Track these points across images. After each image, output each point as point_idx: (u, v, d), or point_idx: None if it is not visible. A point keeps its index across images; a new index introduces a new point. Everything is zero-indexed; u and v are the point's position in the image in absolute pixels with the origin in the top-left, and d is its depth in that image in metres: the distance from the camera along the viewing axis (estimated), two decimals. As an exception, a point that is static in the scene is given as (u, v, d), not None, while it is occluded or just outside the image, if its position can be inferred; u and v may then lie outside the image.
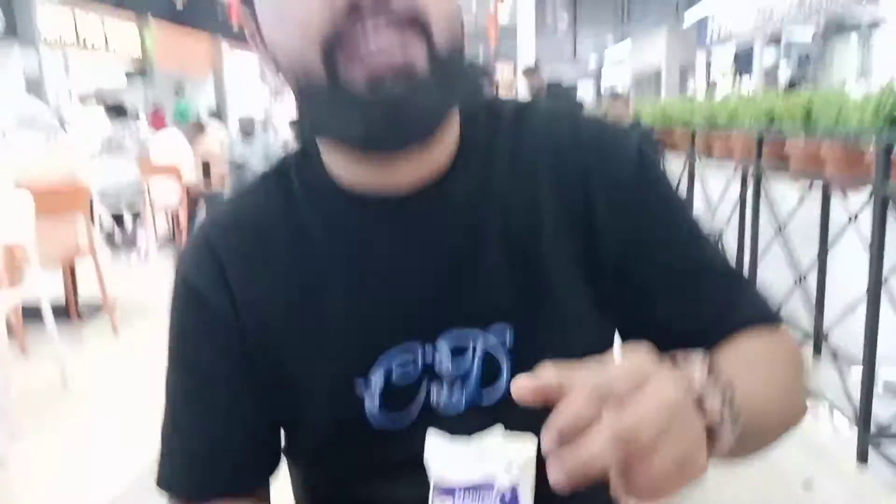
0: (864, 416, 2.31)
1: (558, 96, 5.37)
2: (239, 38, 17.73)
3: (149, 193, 5.98)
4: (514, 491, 0.50)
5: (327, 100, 0.56)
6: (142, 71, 13.03)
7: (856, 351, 2.43)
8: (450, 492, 0.51)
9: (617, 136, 0.68)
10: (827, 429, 2.58)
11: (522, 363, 0.62)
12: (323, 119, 0.58)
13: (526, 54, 12.92)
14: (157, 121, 9.59)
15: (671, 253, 0.65)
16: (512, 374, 0.63)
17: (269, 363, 0.66)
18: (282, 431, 0.71)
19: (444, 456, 0.53)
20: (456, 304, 0.64)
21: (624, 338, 0.70)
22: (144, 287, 5.09)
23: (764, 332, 0.65)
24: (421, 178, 0.63)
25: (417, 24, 0.53)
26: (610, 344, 0.69)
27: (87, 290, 4.52)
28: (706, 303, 0.65)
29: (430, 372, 0.64)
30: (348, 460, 0.67)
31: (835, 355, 2.68)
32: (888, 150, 2.14)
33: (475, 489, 0.50)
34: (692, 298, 0.65)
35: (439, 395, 0.64)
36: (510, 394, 0.51)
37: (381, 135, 0.56)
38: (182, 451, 0.69)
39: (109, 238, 6.38)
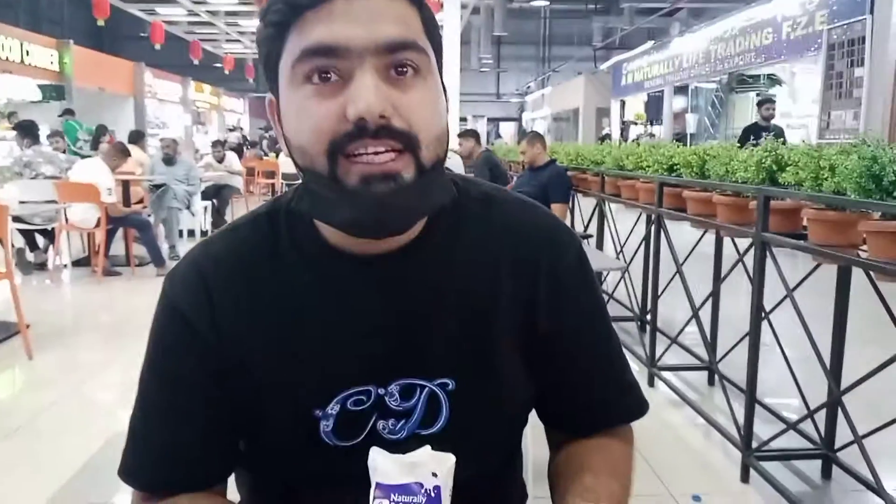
0: (746, 439, 2.56)
1: (490, 162, 6.00)
2: (160, 66, 17.59)
3: (65, 214, 5.85)
4: (437, 489, 0.65)
5: (325, 190, 0.66)
6: (58, 89, 12.64)
7: (743, 379, 2.68)
8: (386, 491, 0.64)
9: (565, 235, 0.82)
10: (716, 451, 2.83)
11: (461, 406, 0.76)
12: (320, 204, 0.68)
13: (451, 93, 13.25)
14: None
15: (586, 342, 0.83)
16: (450, 415, 0.76)
17: (240, 384, 0.75)
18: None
19: (383, 463, 0.66)
20: (410, 358, 0.75)
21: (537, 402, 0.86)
22: (59, 310, 4.99)
23: (625, 434, 0.86)
24: (394, 244, 0.74)
25: (410, 143, 0.65)
26: (531, 402, 0.84)
27: (-1, 311, 4.41)
28: (599, 391, 0.84)
29: (380, 407, 0.75)
30: (300, 470, 0.77)
31: (723, 384, 2.94)
32: (767, 202, 2.42)
33: (407, 488, 0.64)
34: (590, 382, 0.83)
35: (385, 426, 0.75)
36: (446, 427, 0.75)
37: (365, 226, 0.67)
38: (147, 448, 0.77)
39: (20, 256, 6.19)
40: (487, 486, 0.81)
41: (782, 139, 3.43)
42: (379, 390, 0.75)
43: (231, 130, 15.43)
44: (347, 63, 0.64)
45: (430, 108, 0.67)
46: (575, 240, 0.84)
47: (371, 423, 0.75)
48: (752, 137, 3.86)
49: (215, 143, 10.03)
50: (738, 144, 3.12)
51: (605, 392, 0.84)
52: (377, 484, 0.65)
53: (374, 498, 0.64)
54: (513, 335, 0.78)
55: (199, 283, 0.75)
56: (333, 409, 0.74)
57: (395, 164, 0.65)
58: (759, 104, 8.10)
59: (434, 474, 0.65)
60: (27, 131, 6.60)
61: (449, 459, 0.67)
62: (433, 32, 0.70)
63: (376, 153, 0.64)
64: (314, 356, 0.74)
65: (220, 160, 9.36)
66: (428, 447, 0.68)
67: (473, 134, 6.58)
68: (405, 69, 0.66)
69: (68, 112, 10.65)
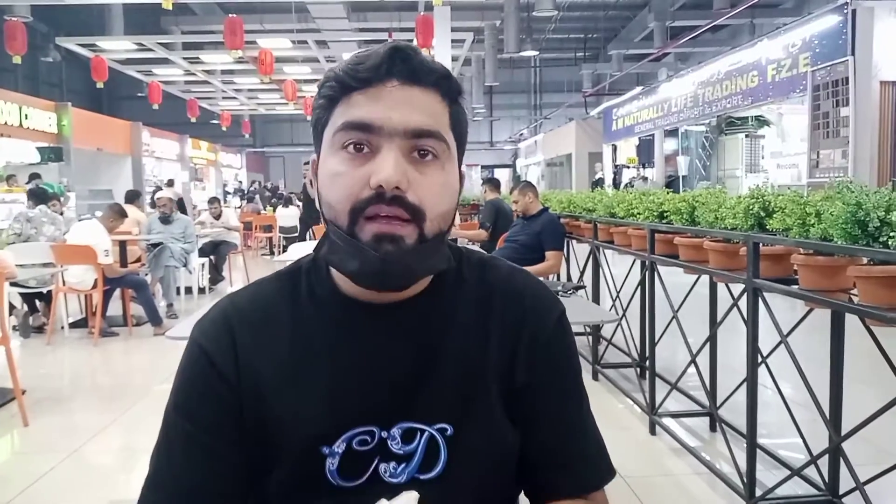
0: (749, 488, 2.53)
1: (495, 206, 6.36)
2: (158, 125, 17.84)
3: (62, 276, 5.86)
4: None
5: (343, 242, 0.77)
6: (56, 150, 12.78)
7: (745, 423, 2.66)
8: None
9: (549, 301, 0.90)
10: (720, 500, 2.79)
11: (458, 451, 0.81)
12: (336, 253, 0.79)
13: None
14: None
15: (557, 399, 0.88)
16: (448, 459, 0.81)
17: (255, 420, 0.81)
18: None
19: None
20: (413, 403, 0.81)
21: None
22: (56, 373, 4.96)
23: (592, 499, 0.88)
24: (402, 296, 0.83)
25: (416, 214, 0.76)
26: (517, 451, 0.87)
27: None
28: (571, 447, 0.88)
29: (383, 449, 0.81)
30: None
31: (723, 430, 2.92)
32: (756, 248, 2.45)
33: None
34: (562, 439, 0.87)
35: (387, 469, 0.81)
36: (444, 472, 0.80)
37: (369, 277, 0.77)
38: (168, 485, 0.81)
39: (25, 320, 6.18)
40: None
41: None
42: (382, 433, 0.80)
43: (168, 185, 14.05)
44: (378, 139, 0.76)
45: (440, 189, 0.78)
46: (558, 305, 0.91)
47: (374, 465, 0.80)
48: None
49: (212, 200, 10.09)
50: None
51: (576, 450, 0.88)
52: None
53: None
54: (499, 386, 0.84)
55: (224, 327, 0.84)
56: (339, 447, 0.80)
57: (402, 230, 0.76)
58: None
59: None
60: (39, 199, 6.67)
61: (413, 497, 0.70)
62: (458, 127, 0.83)
63: (388, 218, 0.75)
64: (324, 395, 0.81)
65: (217, 217, 9.41)
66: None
67: (493, 182, 7.02)
68: (426, 153, 0.78)
69: (35, 176, 10.81)
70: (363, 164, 0.76)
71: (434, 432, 0.81)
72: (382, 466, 0.80)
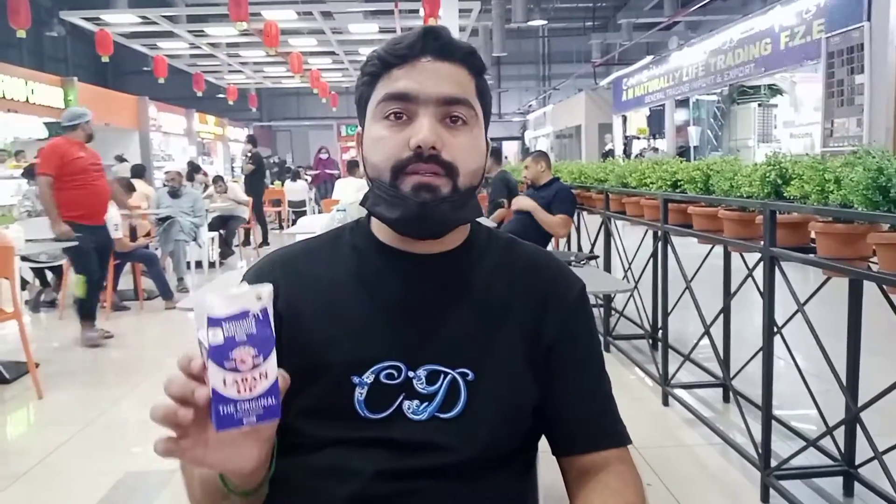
0: (764, 458, 2.52)
1: (506, 180, 6.28)
2: (164, 100, 17.75)
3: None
4: (264, 311, 0.68)
5: (385, 194, 0.88)
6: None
7: (759, 395, 2.64)
8: (217, 322, 0.66)
9: (571, 277, 1.01)
10: (734, 470, 2.79)
11: (477, 395, 0.89)
12: (380, 204, 0.89)
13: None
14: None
15: (582, 362, 0.97)
16: (467, 401, 0.88)
17: (294, 347, 0.87)
18: None
19: (209, 300, 0.67)
20: (438, 347, 0.90)
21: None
22: (69, 347, 4.99)
23: (621, 455, 0.95)
24: (436, 249, 0.94)
25: (450, 170, 0.87)
26: (534, 403, 0.94)
27: (8, 348, 4.41)
28: (594, 405, 0.96)
29: (408, 387, 0.88)
30: (330, 432, 0.87)
31: (737, 401, 2.90)
32: (773, 216, 2.40)
33: (236, 318, 0.66)
34: (582, 404, 0.95)
35: (411, 406, 0.88)
36: (462, 413, 0.88)
37: (410, 224, 0.88)
38: None
39: (38, 295, 6.21)
40: (502, 474, 0.91)
41: None
42: (409, 372, 0.88)
43: (120, 161, 13.31)
44: (415, 107, 0.88)
45: (470, 149, 0.90)
46: (579, 282, 1.01)
47: (399, 401, 0.88)
48: None
49: (216, 180, 10.03)
50: None
51: (599, 407, 0.97)
52: (208, 319, 0.66)
53: (208, 330, 0.66)
54: (523, 344, 0.93)
55: (268, 267, 0.98)
56: (368, 377, 0.88)
57: (437, 181, 0.87)
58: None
59: (258, 297, 0.68)
60: (33, 176, 6.65)
61: (266, 286, 0.69)
62: (484, 97, 0.94)
63: (426, 173, 0.86)
64: (357, 327, 0.90)
65: (224, 192, 9.38)
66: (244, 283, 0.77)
67: (494, 153, 6.82)
68: (457, 119, 0.89)
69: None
70: (402, 129, 0.87)
71: (456, 375, 0.89)
72: (406, 403, 0.88)
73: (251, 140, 11.42)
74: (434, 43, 0.89)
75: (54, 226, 4.71)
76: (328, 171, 15.07)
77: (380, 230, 0.95)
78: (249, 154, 10.81)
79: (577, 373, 0.95)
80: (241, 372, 0.66)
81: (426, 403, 0.88)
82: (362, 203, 0.94)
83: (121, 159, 13.57)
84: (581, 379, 0.96)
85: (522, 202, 4.76)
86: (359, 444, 0.87)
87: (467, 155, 0.89)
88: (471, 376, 0.89)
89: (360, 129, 0.96)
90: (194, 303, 0.69)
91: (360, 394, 0.87)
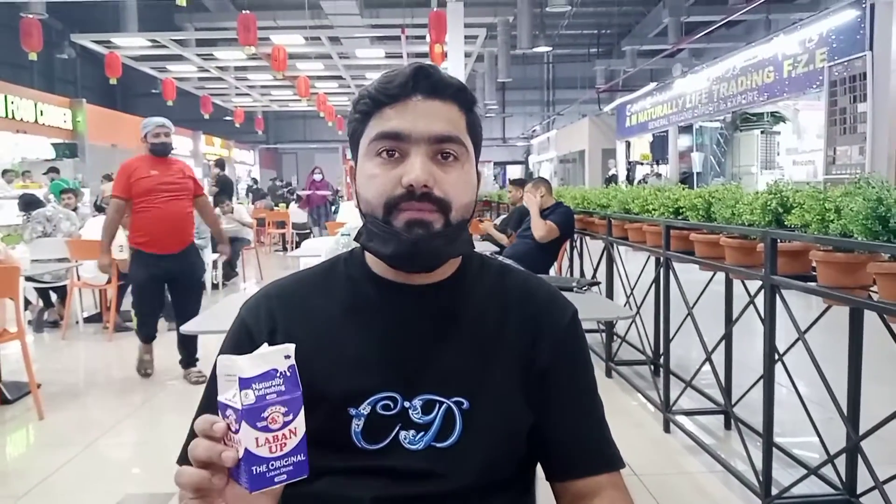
0: (765, 486, 2.50)
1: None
2: (172, 121, 17.92)
3: (77, 271, 5.90)
4: (292, 368, 0.70)
5: (379, 229, 0.89)
6: (71, 147, 12.86)
7: (760, 422, 2.63)
8: (248, 384, 0.67)
9: (563, 301, 1.02)
10: (735, 499, 2.77)
11: (472, 423, 0.90)
12: (374, 239, 0.90)
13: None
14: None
15: (571, 391, 0.97)
16: (463, 430, 0.90)
17: None
18: None
19: (237, 362, 0.69)
20: (433, 376, 0.91)
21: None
22: (71, 367, 4.99)
23: (614, 480, 0.96)
24: (429, 280, 0.94)
25: (443, 206, 0.88)
26: (528, 427, 0.95)
27: (10, 368, 4.42)
28: (586, 430, 0.97)
29: (404, 418, 0.90)
30: (328, 463, 0.87)
31: (738, 428, 2.89)
32: (774, 244, 2.42)
33: (265, 377, 0.68)
34: (576, 429, 0.96)
35: (407, 436, 0.89)
36: (458, 442, 0.89)
37: (402, 258, 0.89)
38: None
39: (40, 315, 6.22)
40: (500, 498, 0.92)
41: None
42: (404, 402, 0.90)
43: (108, 180, 13.14)
44: (407, 146, 0.88)
45: (462, 184, 0.91)
46: (571, 307, 1.02)
47: (395, 432, 0.89)
48: None
49: (221, 200, 10.06)
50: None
51: (592, 432, 0.98)
52: (239, 380, 0.68)
53: (239, 392, 0.67)
54: (517, 371, 0.94)
55: (263, 301, 0.98)
56: (365, 409, 0.89)
57: (430, 216, 0.88)
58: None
59: (286, 356, 0.70)
60: (29, 206, 6.70)
61: (290, 345, 0.71)
62: (475, 131, 0.95)
63: (419, 210, 0.87)
64: (353, 360, 0.91)
65: (229, 213, 9.42)
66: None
67: (520, 183, 6.67)
68: (448, 155, 0.90)
69: (53, 170, 10.83)
70: (395, 166, 0.88)
71: (451, 404, 0.90)
72: (403, 433, 0.89)
73: (219, 164, 11.40)
74: (425, 81, 0.90)
75: (100, 255, 4.40)
76: (320, 192, 13.73)
77: (374, 262, 0.96)
78: (216, 177, 10.76)
79: (570, 398, 0.97)
80: (272, 431, 0.68)
81: (422, 433, 0.89)
82: (357, 238, 0.95)
83: (109, 178, 13.34)
84: (574, 404, 0.97)
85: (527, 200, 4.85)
86: (356, 472, 0.88)
87: (459, 190, 0.90)
88: (466, 405, 0.90)
89: (351, 163, 0.98)
90: (218, 366, 0.71)
91: (356, 425, 0.89)
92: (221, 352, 0.92)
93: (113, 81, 12.47)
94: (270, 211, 13.41)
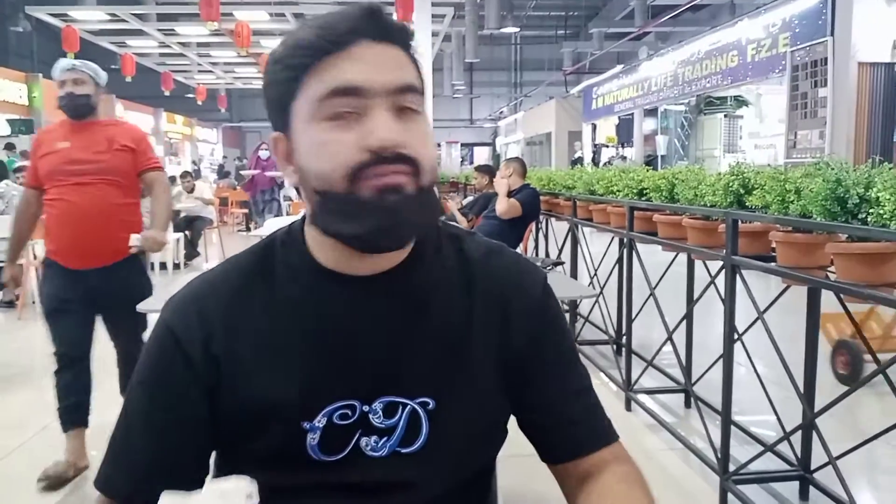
0: (723, 463, 2.55)
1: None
2: (132, 98, 17.50)
3: (33, 250, 5.75)
4: None
5: (342, 206, 0.73)
6: (27, 122, 12.50)
7: (720, 400, 2.68)
8: None
9: (531, 268, 0.91)
10: (694, 475, 2.82)
11: (439, 425, 0.81)
12: (336, 220, 0.75)
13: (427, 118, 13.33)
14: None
15: (554, 366, 0.88)
16: (430, 433, 0.81)
17: (230, 398, 0.80)
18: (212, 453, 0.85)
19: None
20: (393, 377, 0.81)
21: (515, 415, 0.89)
22: (28, 348, 4.88)
23: (616, 452, 0.88)
24: (381, 267, 0.81)
25: (415, 167, 0.74)
26: (507, 417, 0.89)
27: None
28: (575, 414, 0.88)
29: (364, 423, 0.80)
30: (284, 482, 0.80)
31: (698, 407, 2.94)
32: (735, 225, 2.44)
33: None
34: (568, 408, 0.88)
35: (369, 443, 0.81)
36: (425, 446, 0.80)
37: (377, 234, 0.73)
38: (128, 460, 0.81)
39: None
40: (466, 496, 0.87)
41: None
42: (363, 407, 0.80)
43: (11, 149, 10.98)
44: (365, 101, 0.73)
45: (428, 141, 0.77)
46: (541, 273, 0.92)
47: (355, 439, 0.80)
48: None
49: (184, 174, 9.91)
50: None
51: (584, 406, 0.89)
52: None
53: None
54: (490, 357, 0.84)
55: (192, 305, 0.82)
56: (320, 422, 0.79)
57: (402, 179, 0.73)
58: None
59: (249, 496, 0.66)
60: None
61: (253, 483, 0.68)
62: (422, 79, 0.80)
63: (394, 173, 0.73)
64: (302, 370, 0.79)
65: (190, 191, 9.26)
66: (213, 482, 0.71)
67: (487, 169, 6.46)
68: (408, 109, 0.76)
69: (9, 147, 10.50)
70: (351, 128, 0.73)
71: (416, 406, 0.81)
72: (364, 440, 0.80)
73: None
74: (374, 23, 0.75)
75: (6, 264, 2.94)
76: (267, 172, 11.70)
77: (316, 249, 0.81)
78: None
79: (556, 373, 0.88)
80: None
81: (385, 438, 0.80)
82: (304, 224, 0.83)
83: (10, 146, 11.53)
84: (561, 379, 0.88)
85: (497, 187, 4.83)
86: (316, 489, 0.80)
87: (426, 147, 0.76)
88: (431, 405, 0.81)
89: (278, 134, 0.80)
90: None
91: (312, 439, 0.79)
92: (140, 378, 0.82)
93: (70, 56, 12.12)
94: (234, 190, 13.23)
